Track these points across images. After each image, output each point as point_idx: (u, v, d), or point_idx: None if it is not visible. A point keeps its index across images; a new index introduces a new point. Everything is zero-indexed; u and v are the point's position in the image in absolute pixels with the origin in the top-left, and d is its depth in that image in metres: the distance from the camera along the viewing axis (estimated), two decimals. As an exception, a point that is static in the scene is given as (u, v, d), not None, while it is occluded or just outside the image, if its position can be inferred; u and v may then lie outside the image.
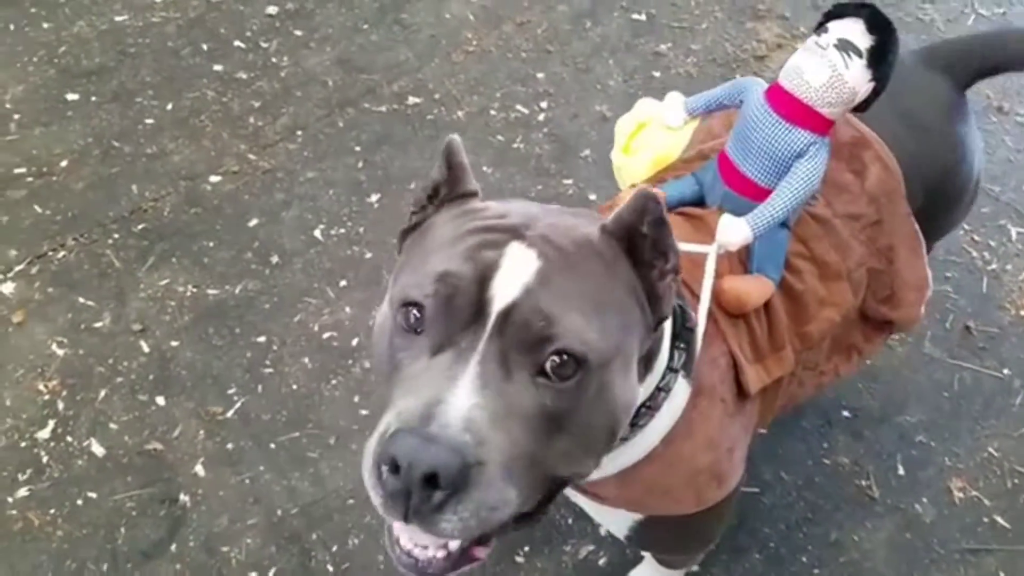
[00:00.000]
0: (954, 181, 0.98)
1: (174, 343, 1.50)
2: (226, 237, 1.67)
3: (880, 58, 0.73)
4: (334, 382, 1.46)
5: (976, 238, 1.75)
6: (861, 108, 0.78)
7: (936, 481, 1.38)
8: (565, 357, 0.54)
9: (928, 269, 0.95)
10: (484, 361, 0.53)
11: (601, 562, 1.26)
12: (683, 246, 0.71)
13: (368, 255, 1.66)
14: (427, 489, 0.50)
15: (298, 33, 2.11)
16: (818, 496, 1.35)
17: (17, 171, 1.75)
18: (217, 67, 2.00)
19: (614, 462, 0.71)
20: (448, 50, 2.09)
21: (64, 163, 1.78)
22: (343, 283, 1.61)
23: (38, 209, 1.69)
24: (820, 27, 0.76)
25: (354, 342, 1.51)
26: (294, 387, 1.46)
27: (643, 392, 0.66)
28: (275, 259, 1.64)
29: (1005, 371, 1.53)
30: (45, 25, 2.07)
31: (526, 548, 1.27)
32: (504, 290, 0.55)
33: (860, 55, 0.73)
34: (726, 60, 2.11)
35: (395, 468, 0.50)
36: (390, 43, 2.10)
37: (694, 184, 0.87)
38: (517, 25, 2.17)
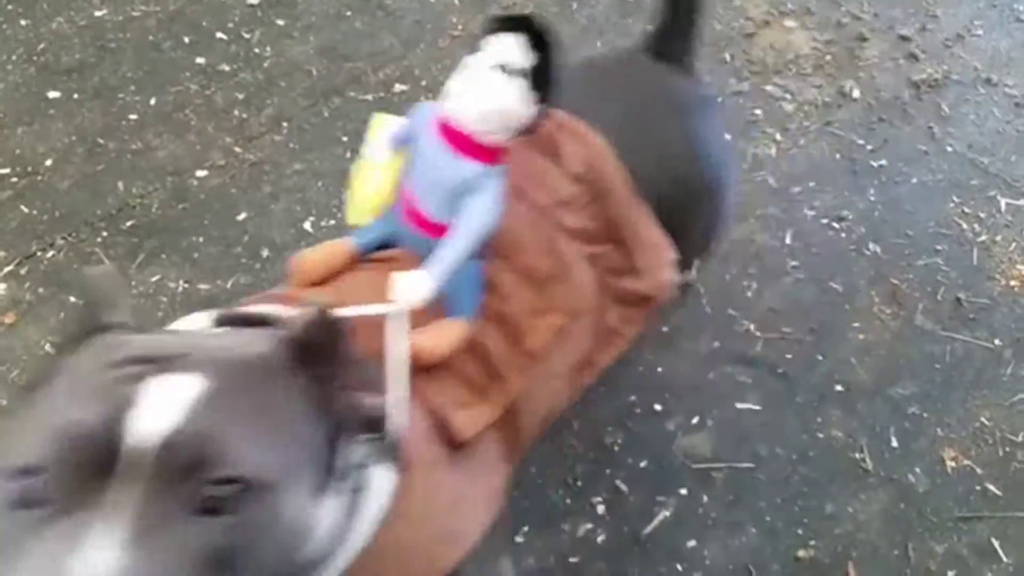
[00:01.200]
0: (689, 187, 0.94)
1: (168, 339, 1.53)
2: (215, 232, 1.69)
3: (544, 79, 0.67)
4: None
5: (966, 210, 1.79)
6: (530, 131, 0.71)
7: (929, 452, 1.42)
8: (228, 486, 0.46)
9: (661, 234, 0.91)
10: (120, 517, 0.42)
11: (600, 539, 1.30)
12: (360, 310, 0.65)
13: (359, 245, 1.68)
14: None
15: (280, 22, 2.12)
16: (813, 470, 1.39)
17: (1, 172, 1.77)
18: (200, 60, 2.02)
19: (329, 572, 0.61)
20: (434, 35, 2.10)
21: (49, 162, 1.80)
22: (335, 274, 1.64)
23: (25, 209, 1.71)
24: (483, 42, 0.69)
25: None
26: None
27: (335, 508, 0.57)
28: (265, 253, 1.67)
29: (996, 341, 1.57)
30: (23, 22, 2.08)
31: (525, 528, 1.31)
32: (142, 428, 0.45)
33: (524, 76, 0.67)
34: (714, 39, 2.13)
35: None
36: (374, 30, 2.12)
37: (388, 223, 0.79)
38: (503, 8, 2.18)
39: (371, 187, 0.80)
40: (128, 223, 1.71)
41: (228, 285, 1.61)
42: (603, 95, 0.94)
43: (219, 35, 2.09)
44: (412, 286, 0.67)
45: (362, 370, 0.61)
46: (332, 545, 0.59)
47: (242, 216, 1.73)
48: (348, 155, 1.83)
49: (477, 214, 0.70)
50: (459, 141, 0.70)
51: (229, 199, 1.75)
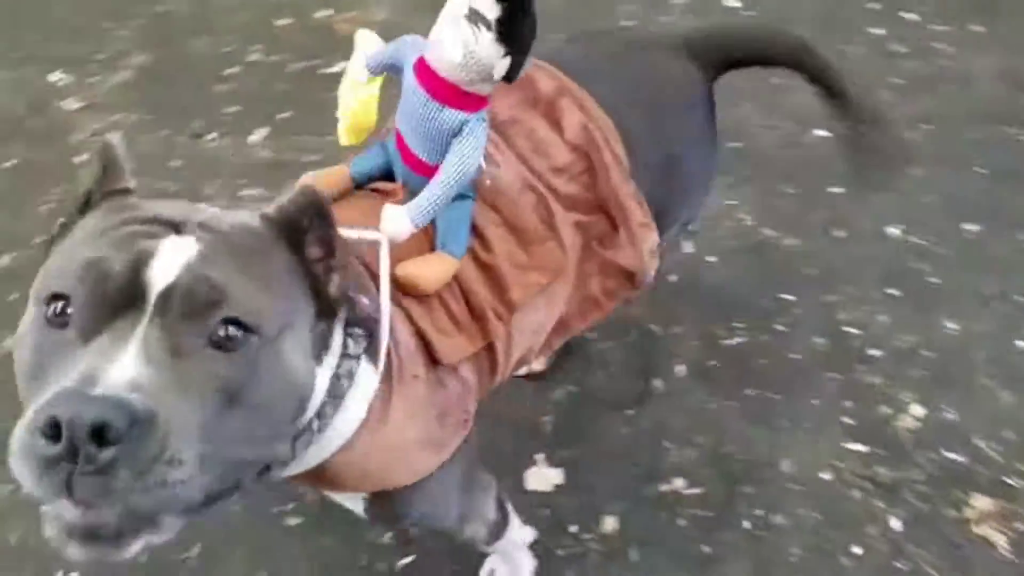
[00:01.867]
0: (680, 170, 1.01)
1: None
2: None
3: (510, 30, 0.68)
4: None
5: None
6: (508, 79, 0.73)
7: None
8: (234, 326, 0.55)
9: (647, 216, 0.95)
10: (147, 339, 0.52)
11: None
12: (354, 232, 0.73)
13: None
14: (95, 446, 0.46)
15: None
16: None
17: None
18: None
19: (318, 455, 0.71)
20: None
21: None
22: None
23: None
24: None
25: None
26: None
27: (325, 380, 0.67)
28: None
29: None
30: None
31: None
32: (163, 272, 0.55)
33: (489, 27, 0.67)
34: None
35: (53, 434, 0.46)
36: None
37: (381, 154, 0.84)
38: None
39: (356, 104, 0.84)
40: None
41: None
42: (619, 72, 0.99)
43: None
44: (394, 221, 0.73)
45: (359, 278, 0.71)
46: (322, 422, 0.67)
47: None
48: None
49: (458, 158, 0.73)
50: (441, 90, 0.72)
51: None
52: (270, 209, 0.63)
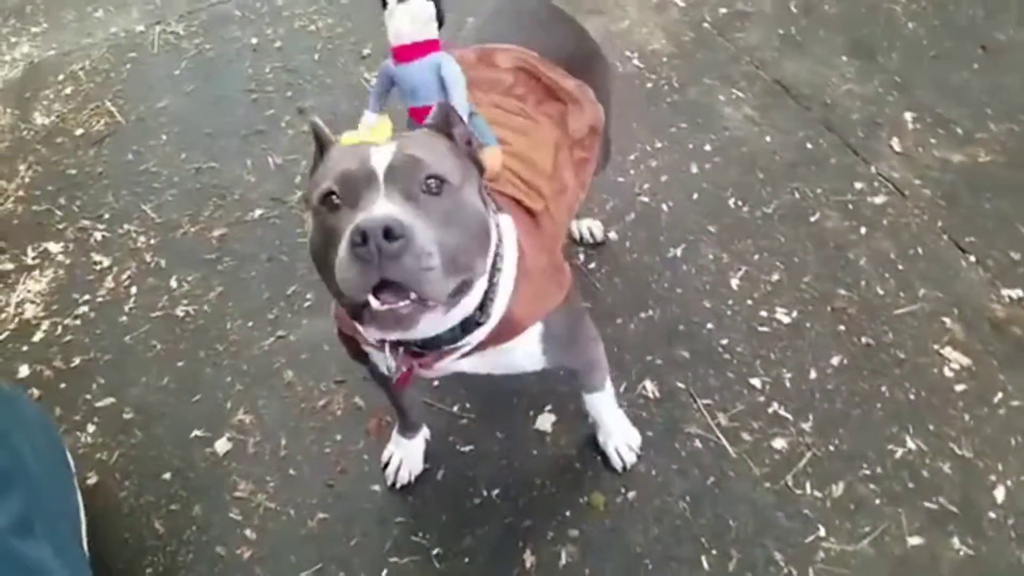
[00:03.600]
0: (591, 53, 1.51)
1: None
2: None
3: None
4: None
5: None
6: (441, 21, 1.08)
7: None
8: (434, 179, 0.87)
9: (577, 82, 1.36)
10: (388, 194, 0.84)
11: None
12: None
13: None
14: (387, 240, 0.77)
15: None
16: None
17: None
18: None
19: (503, 297, 1.03)
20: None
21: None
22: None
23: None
24: (384, 3, 1.08)
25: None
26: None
27: (494, 225, 1.00)
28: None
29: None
30: None
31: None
32: (381, 160, 0.87)
33: None
34: None
35: (362, 240, 0.77)
36: None
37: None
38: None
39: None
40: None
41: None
42: (519, 21, 1.49)
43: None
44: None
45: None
46: (500, 260, 1.01)
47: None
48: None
49: (452, 76, 1.07)
50: (413, 51, 1.08)
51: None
52: (427, 122, 0.99)
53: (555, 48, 1.39)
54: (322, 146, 1.00)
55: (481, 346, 1.04)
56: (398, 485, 1.52)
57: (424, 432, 1.56)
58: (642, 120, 2.19)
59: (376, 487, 1.52)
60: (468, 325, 0.99)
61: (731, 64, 2.35)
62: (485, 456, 1.55)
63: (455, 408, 1.62)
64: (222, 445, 1.62)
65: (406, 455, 1.54)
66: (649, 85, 2.30)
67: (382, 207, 0.81)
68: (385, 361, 1.00)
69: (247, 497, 1.54)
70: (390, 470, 1.54)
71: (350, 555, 1.43)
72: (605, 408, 1.47)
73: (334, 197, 0.87)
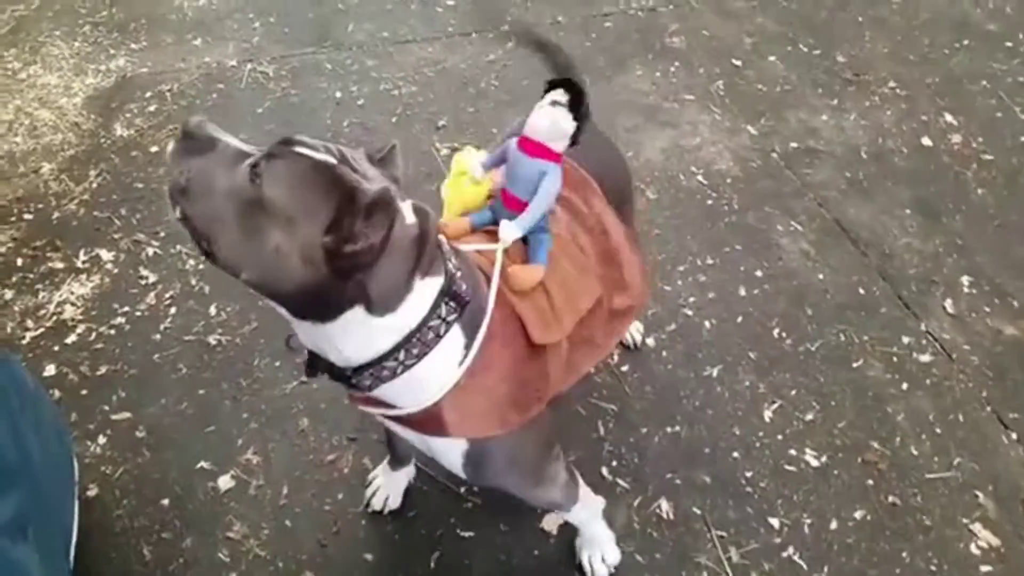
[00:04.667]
0: (626, 180, 1.59)
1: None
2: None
3: (575, 107, 1.18)
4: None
5: None
6: (574, 142, 1.19)
7: None
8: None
9: (636, 253, 1.40)
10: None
11: None
12: (480, 246, 1.18)
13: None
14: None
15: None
16: None
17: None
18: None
19: (419, 394, 1.03)
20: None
21: None
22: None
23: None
24: (544, 96, 1.20)
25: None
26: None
27: (395, 322, 0.97)
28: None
29: None
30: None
31: None
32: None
33: (564, 106, 1.17)
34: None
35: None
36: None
37: (489, 214, 1.29)
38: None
39: (470, 197, 1.31)
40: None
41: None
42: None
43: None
44: (508, 229, 1.17)
45: (473, 272, 1.08)
46: (402, 362, 0.99)
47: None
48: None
49: (546, 190, 1.18)
50: (534, 148, 1.19)
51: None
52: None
53: (604, 173, 1.45)
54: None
55: (404, 421, 1.09)
56: (372, 508, 1.64)
57: (409, 470, 1.65)
58: (697, 235, 2.30)
59: (369, 556, 1.56)
60: (337, 373, 1.02)
61: (794, 197, 2.46)
62: (485, 546, 1.58)
63: (462, 490, 1.66)
64: (225, 481, 1.68)
65: (387, 484, 1.64)
66: (709, 203, 2.42)
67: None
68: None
69: (239, 540, 1.58)
70: (369, 491, 1.65)
71: (331, 621, 1.46)
72: (584, 520, 1.50)
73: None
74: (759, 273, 2.19)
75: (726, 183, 2.51)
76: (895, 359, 1.98)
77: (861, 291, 2.16)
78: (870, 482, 1.71)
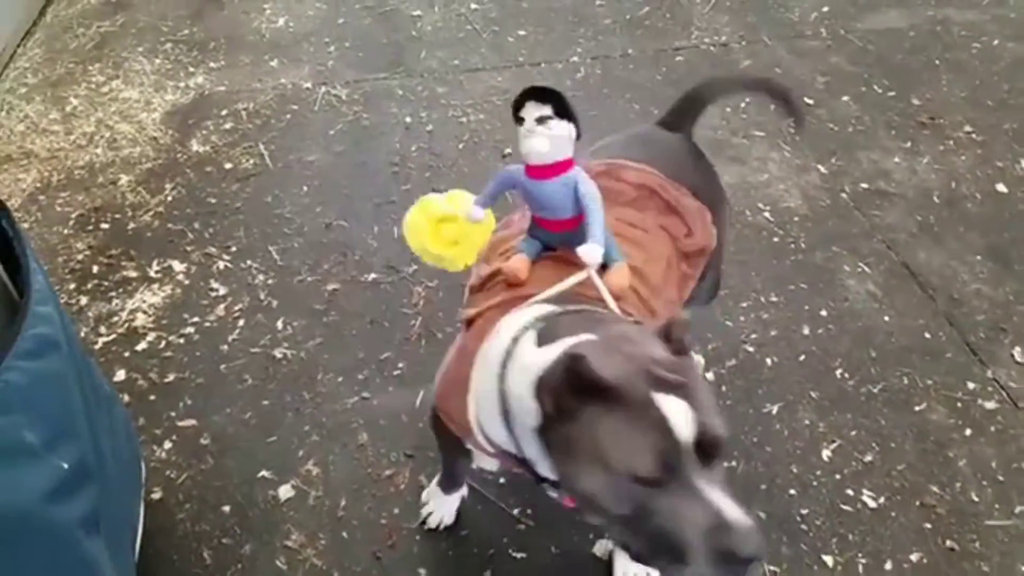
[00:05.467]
0: (717, 193, 1.66)
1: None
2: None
3: (563, 111, 1.19)
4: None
5: None
6: (579, 136, 1.22)
7: None
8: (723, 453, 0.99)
9: (699, 204, 1.51)
10: (706, 476, 0.95)
11: None
12: (573, 280, 1.21)
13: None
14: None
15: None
16: None
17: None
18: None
19: None
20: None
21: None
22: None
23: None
24: (518, 120, 1.21)
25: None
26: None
27: None
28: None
29: None
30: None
31: None
32: (684, 428, 0.95)
33: (552, 119, 1.19)
34: None
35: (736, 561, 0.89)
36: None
37: (536, 242, 1.32)
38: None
39: (479, 237, 1.44)
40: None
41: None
42: (653, 148, 1.61)
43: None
44: (593, 252, 1.18)
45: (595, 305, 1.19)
46: None
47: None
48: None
49: (591, 195, 1.21)
50: (551, 171, 1.22)
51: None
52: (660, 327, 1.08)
53: (682, 177, 1.53)
54: (594, 388, 0.96)
55: None
56: (427, 526, 1.72)
57: (462, 491, 1.74)
58: (762, 272, 2.36)
59: (422, 571, 1.64)
60: None
61: (863, 238, 2.50)
62: (536, 568, 1.65)
63: (516, 511, 1.74)
64: (285, 491, 1.80)
65: (441, 505, 1.73)
66: (776, 240, 2.48)
67: (729, 507, 0.89)
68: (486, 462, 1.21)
69: (297, 548, 1.69)
70: (425, 511, 1.74)
71: (382, 634, 1.55)
72: None
73: (651, 478, 0.91)
74: (824, 312, 2.23)
75: (793, 221, 2.56)
76: (959, 404, 2.00)
77: (927, 335, 2.19)
78: (928, 525, 1.74)
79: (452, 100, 3.09)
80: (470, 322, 1.30)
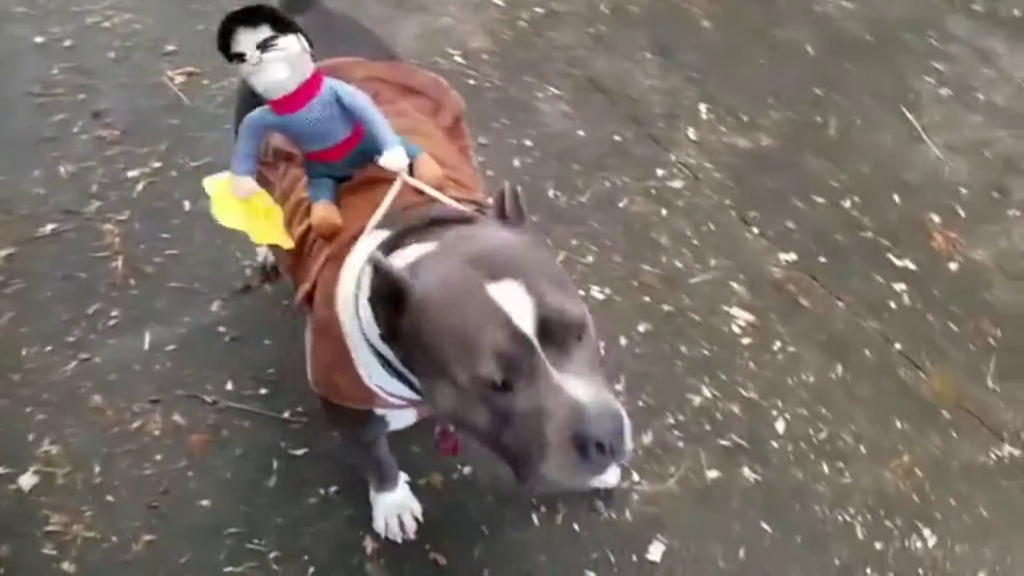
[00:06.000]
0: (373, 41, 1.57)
1: None
2: None
3: (283, 24, 1.03)
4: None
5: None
6: (310, 43, 1.08)
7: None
8: (581, 331, 0.92)
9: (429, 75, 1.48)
10: (557, 363, 0.87)
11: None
12: (389, 197, 1.08)
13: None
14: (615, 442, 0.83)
15: None
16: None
17: None
18: None
19: None
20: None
21: None
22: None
23: None
24: (233, 57, 1.02)
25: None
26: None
27: None
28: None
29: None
30: None
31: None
32: (524, 318, 0.88)
33: (277, 38, 1.01)
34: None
35: (599, 450, 0.82)
36: None
37: (325, 181, 1.16)
38: None
39: (270, 208, 1.16)
40: None
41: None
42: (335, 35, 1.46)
43: None
44: (394, 156, 1.07)
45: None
46: None
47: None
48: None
49: (360, 102, 1.08)
50: (303, 95, 1.05)
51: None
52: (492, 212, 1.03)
53: (379, 54, 1.44)
54: (397, 291, 0.90)
55: None
56: (411, 536, 1.56)
57: (404, 476, 1.60)
58: (467, 117, 2.41)
59: (205, 502, 1.60)
60: None
61: (547, 62, 2.64)
62: (319, 457, 1.67)
63: (286, 414, 1.73)
64: (27, 480, 1.62)
65: (398, 506, 1.57)
66: (471, 82, 2.53)
67: (585, 394, 0.81)
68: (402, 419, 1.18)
69: (61, 530, 1.55)
70: (393, 530, 1.55)
71: (181, 571, 1.50)
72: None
73: (496, 382, 0.83)
74: (528, 142, 2.35)
75: (483, 60, 2.62)
76: (653, 191, 2.26)
77: (617, 138, 2.41)
78: (647, 299, 2.00)
79: (86, 6, 2.67)
80: (310, 298, 1.17)
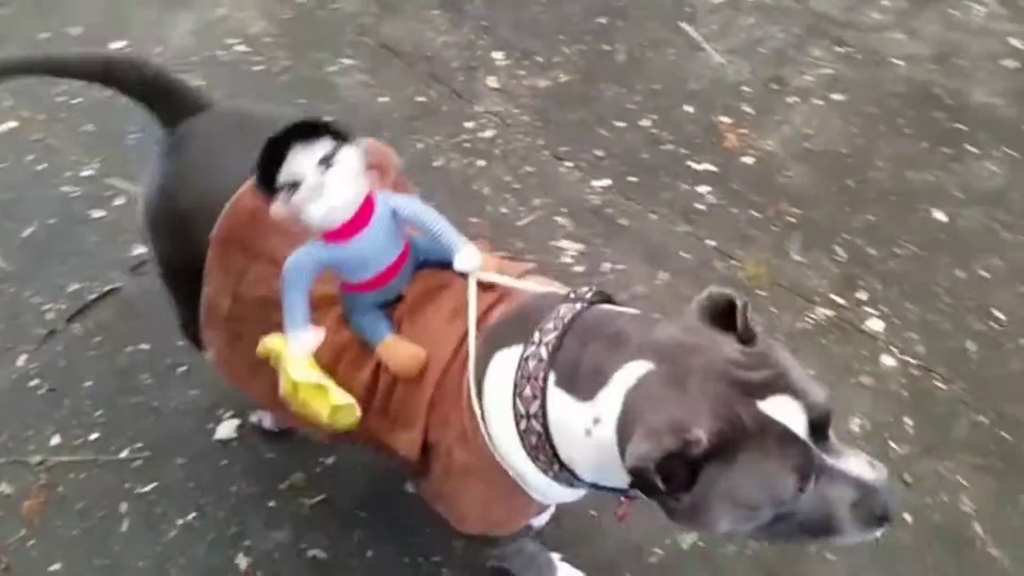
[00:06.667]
0: None
1: None
2: None
3: (344, 136, 0.88)
4: None
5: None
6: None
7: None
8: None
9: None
10: (829, 451, 0.85)
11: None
12: (473, 303, 0.97)
13: None
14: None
15: None
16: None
17: None
18: None
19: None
20: None
21: None
22: None
23: None
24: (282, 189, 0.86)
25: None
26: None
27: None
28: None
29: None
30: None
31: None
32: (794, 419, 0.84)
33: (338, 152, 0.86)
34: None
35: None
36: None
37: (375, 312, 1.00)
38: None
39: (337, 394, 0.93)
40: None
41: None
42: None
43: None
44: (471, 254, 0.96)
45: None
46: None
47: None
48: None
49: (420, 208, 0.95)
50: (360, 219, 0.89)
51: None
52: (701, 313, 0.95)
53: None
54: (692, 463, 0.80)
55: None
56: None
57: (555, 555, 1.45)
58: (258, 102, 2.30)
59: (56, 566, 1.47)
60: None
61: (335, 33, 2.56)
62: (170, 489, 1.57)
63: (124, 453, 1.62)
64: None
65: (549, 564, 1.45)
66: (258, 68, 2.42)
67: (864, 472, 0.83)
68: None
69: None
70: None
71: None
72: None
73: (789, 499, 0.81)
74: (332, 118, 2.28)
75: (267, 44, 2.50)
76: (467, 145, 2.26)
77: (421, 99, 2.39)
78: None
79: None
80: (424, 452, 1.02)
